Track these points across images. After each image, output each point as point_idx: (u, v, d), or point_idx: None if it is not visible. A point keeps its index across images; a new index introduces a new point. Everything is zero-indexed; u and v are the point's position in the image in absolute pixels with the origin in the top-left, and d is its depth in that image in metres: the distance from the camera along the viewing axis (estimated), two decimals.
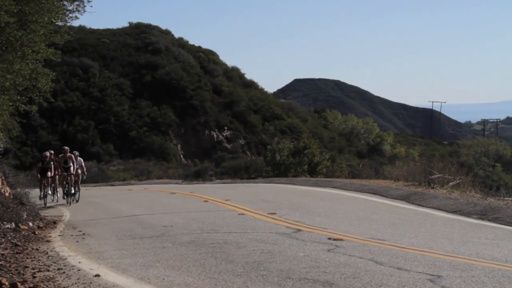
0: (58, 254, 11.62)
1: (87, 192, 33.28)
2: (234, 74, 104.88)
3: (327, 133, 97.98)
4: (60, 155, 27.51)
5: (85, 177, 29.53)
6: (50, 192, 27.89)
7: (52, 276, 9.33)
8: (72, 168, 26.75)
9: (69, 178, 26.62)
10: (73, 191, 26.71)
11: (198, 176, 60.05)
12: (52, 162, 28.06)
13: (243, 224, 15.31)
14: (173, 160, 78.10)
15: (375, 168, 40.74)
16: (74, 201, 26.71)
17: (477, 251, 10.89)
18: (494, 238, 12.78)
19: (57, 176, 28.36)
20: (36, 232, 15.09)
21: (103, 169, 64.97)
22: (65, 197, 26.63)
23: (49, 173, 27.49)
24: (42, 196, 26.82)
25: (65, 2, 17.91)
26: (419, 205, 19.13)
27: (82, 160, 28.94)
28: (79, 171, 27.82)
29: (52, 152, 29.07)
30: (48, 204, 25.99)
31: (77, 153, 28.15)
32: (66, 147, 27.90)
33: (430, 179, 23.56)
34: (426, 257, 10.14)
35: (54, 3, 16.52)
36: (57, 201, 27.88)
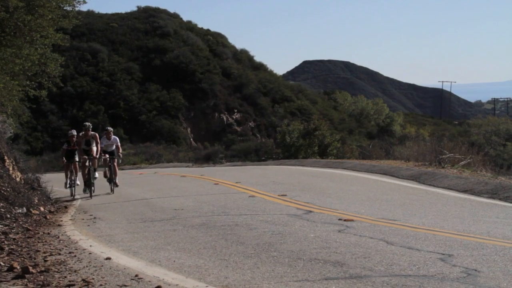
0: (69, 238, 11.66)
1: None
2: (243, 57, 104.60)
3: (337, 114, 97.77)
4: (80, 133, 22.64)
5: (120, 160, 24.94)
6: (78, 181, 22.75)
7: (63, 260, 9.36)
8: (94, 150, 22.32)
9: (90, 163, 22.09)
10: (93, 179, 22.08)
11: (208, 159, 60.14)
12: (76, 143, 23.26)
13: (254, 206, 15.32)
14: (183, 144, 78.13)
15: (385, 148, 40.62)
16: (112, 191, 22.52)
17: (488, 230, 10.88)
18: (505, 216, 12.77)
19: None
20: (47, 217, 15.13)
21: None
22: (86, 189, 22.06)
23: (77, 157, 22.83)
24: (68, 185, 22.44)
25: None
26: (429, 185, 19.10)
27: (117, 139, 23.95)
28: (117, 154, 23.56)
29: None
30: (77, 196, 21.62)
31: (110, 129, 23.92)
32: (88, 123, 22.86)
33: (441, 158, 23.51)
34: (437, 237, 10.13)
35: None
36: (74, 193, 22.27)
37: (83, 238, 11.59)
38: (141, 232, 12.05)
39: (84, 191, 22.18)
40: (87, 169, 21.98)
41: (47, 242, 11.07)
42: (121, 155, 24.26)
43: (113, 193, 22.06)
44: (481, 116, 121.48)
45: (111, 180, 22.84)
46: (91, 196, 21.46)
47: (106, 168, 23.27)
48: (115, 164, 23.38)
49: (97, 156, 22.40)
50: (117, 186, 23.02)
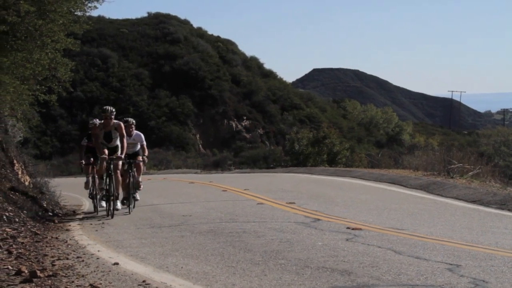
0: (77, 243, 11.68)
1: None
2: (253, 64, 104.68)
3: (346, 123, 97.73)
4: (100, 122, 16.50)
5: (144, 167, 19.49)
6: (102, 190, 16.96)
7: (71, 264, 9.38)
8: (120, 148, 16.24)
9: (111, 166, 16.13)
10: (116, 193, 16.38)
11: (217, 165, 60.20)
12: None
13: (262, 213, 15.32)
14: (192, 150, 78.23)
15: (394, 157, 40.61)
16: (130, 209, 17.06)
17: (497, 241, 10.85)
18: None
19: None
20: (56, 221, 15.16)
21: None
22: (104, 201, 16.61)
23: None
24: (90, 194, 17.91)
25: None
26: (438, 194, 19.06)
27: (143, 137, 17.89)
28: (140, 156, 17.64)
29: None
30: (101, 212, 16.97)
31: (132, 120, 17.64)
32: (110, 107, 16.43)
33: (450, 168, 23.46)
34: (445, 247, 10.11)
35: None
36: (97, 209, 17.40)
37: (91, 243, 11.60)
38: (149, 238, 12.06)
39: (103, 206, 16.81)
40: (104, 173, 16.28)
41: (55, 247, 11.09)
42: (146, 159, 18.00)
43: (130, 213, 16.76)
44: (490, 127, 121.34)
45: (128, 195, 17.27)
46: (110, 214, 16.07)
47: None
48: (140, 169, 17.91)
49: (123, 156, 16.18)
50: (137, 200, 17.86)
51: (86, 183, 18.08)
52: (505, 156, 78.01)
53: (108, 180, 16.27)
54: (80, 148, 18.20)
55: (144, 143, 17.94)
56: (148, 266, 9.22)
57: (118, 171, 16.33)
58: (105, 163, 16.13)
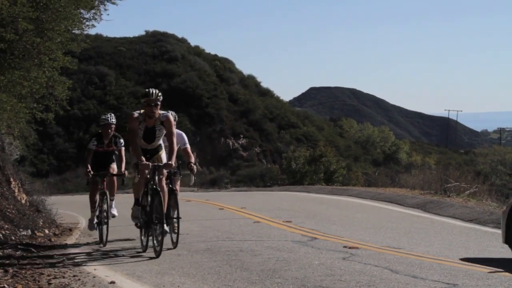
0: (74, 261, 11.65)
1: None
2: (250, 82, 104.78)
3: (343, 141, 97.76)
4: (139, 113, 12.06)
5: (194, 180, 14.18)
6: (115, 210, 14.81)
7: (67, 283, 9.35)
8: (168, 152, 12.22)
9: (156, 179, 11.87)
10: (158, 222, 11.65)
11: (213, 184, 60.09)
12: (116, 142, 14.52)
13: (259, 232, 15.30)
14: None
15: (391, 176, 40.64)
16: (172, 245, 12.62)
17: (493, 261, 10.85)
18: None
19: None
20: (52, 239, 15.14)
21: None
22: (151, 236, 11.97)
23: (113, 167, 14.65)
24: (96, 222, 14.17)
25: (82, 10, 18.01)
26: (435, 213, 19.06)
27: (185, 136, 13.79)
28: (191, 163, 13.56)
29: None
30: (113, 247, 13.50)
31: (173, 114, 12.85)
32: (155, 90, 12.04)
33: (446, 187, 23.48)
34: (442, 266, 10.11)
35: (71, 11, 16.61)
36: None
37: (84, 258, 11.57)
38: (145, 255, 12.02)
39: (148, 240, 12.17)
40: (142, 188, 12.21)
41: (51, 265, 11.06)
42: (195, 167, 13.60)
43: (175, 247, 12.55)
44: (487, 146, 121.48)
45: (168, 218, 12.37)
46: (157, 253, 11.54)
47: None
48: (177, 187, 13.31)
49: (173, 162, 11.99)
50: (175, 233, 12.68)
51: (90, 220, 14.52)
52: (501, 175, 78.10)
53: (149, 200, 11.94)
54: (87, 153, 14.18)
55: (188, 146, 13.75)
56: (144, 285, 9.20)
57: (164, 186, 12.14)
58: (148, 170, 11.83)
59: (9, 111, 18.14)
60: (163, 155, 12.53)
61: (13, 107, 17.99)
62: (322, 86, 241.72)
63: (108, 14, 18.91)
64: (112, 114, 14.44)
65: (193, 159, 13.61)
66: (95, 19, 18.72)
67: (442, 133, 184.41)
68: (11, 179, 18.71)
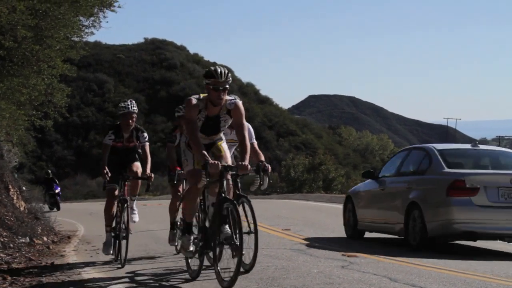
0: (72, 269, 11.62)
1: (101, 207, 33.24)
2: (249, 90, 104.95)
3: (342, 149, 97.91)
4: (198, 98, 9.41)
5: (267, 181, 11.25)
6: (136, 216, 12.74)
7: None
8: (244, 148, 9.47)
9: (225, 183, 9.37)
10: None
11: None
12: (138, 136, 12.27)
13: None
14: None
15: None
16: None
17: (492, 269, 10.83)
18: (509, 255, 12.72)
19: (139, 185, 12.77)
20: (51, 247, 15.12)
21: None
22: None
23: (136, 165, 12.51)
24: (113, 238, 12.31)
25: (81, 18, 18.04)
26: None
27: (252, 130, 11.24)
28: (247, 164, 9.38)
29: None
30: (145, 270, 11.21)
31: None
32: (222, 68, 9.27)
33: None
34: (441, 274, 10.09)
35: (70, 18, 16.64)
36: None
37: (85, 269, 11.55)
38: (143, 264, 12.00)
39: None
40: (197, 202, 10.00)
41: (50, 273, 11.04)
42: (269, 167, 10.93)
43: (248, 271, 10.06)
44: None
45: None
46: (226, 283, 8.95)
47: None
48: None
49: (247, 163, 9.32)
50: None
51: (107, 243, 12.32)
52: None
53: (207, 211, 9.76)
54: (103, 150, 12.15)
55: (255, 141, 11.30)
56: None
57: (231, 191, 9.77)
58: (203, 177, 9.10)
59: (8, 118, 18.15)
60: (224, 144, 9.94)
61: (12, 114, 18.01)
62: (321, 94, 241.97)
63: (107, 22, 18.96)
64: (133, 101, 11.92)
65: (263, 157, 11.15)
66: (94, 26, 18.75)
67: (441, 141, 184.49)
68: (10, 186, 18.69)
